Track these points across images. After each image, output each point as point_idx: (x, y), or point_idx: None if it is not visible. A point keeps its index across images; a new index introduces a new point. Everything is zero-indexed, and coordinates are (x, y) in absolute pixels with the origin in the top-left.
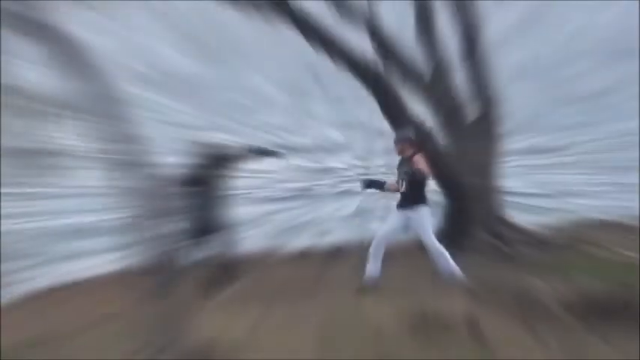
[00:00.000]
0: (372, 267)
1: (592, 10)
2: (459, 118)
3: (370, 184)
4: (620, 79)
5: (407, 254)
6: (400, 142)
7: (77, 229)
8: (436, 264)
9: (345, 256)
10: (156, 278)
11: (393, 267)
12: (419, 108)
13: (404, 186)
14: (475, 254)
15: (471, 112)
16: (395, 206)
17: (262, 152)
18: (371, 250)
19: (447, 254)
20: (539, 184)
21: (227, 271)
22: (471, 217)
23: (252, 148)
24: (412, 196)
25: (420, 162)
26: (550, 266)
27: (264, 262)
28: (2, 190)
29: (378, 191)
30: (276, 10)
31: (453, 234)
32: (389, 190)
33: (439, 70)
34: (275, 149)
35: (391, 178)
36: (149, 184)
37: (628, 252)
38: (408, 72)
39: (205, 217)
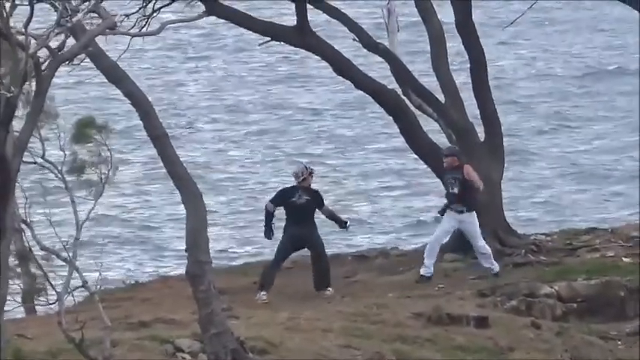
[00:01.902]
0: (428, 264)
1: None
2: (469, 139)
3: (444, 210)
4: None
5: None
6: (450, 156)
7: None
8: (480, 261)
9: (369, 260)
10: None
11: (413, 273)
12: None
13: (454, 189)
14: None
15: (479, 134)
16: (447, 209)
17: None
18: (427, 249)
19: (489, 255)
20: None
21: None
22: (481, 226)
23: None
24: (464, 202)
25: (471, 170)
26: (550, 269)
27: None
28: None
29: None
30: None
31: (466, 242)
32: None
33: (452, 95)
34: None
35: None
36: None
37: (610, 253)
38: (425, 98)
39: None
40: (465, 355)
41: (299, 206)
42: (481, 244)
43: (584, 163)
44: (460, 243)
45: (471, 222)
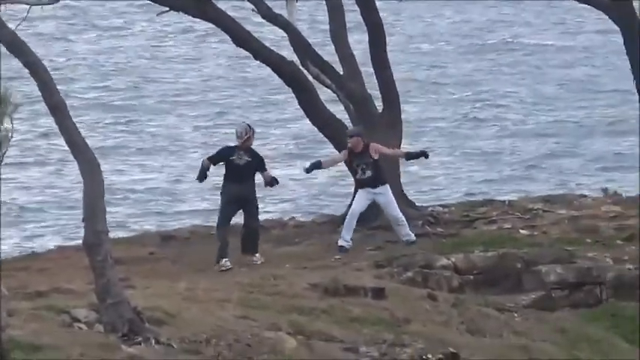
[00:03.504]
0: (347, 237)
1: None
2: (367, 109)
3: (311, 167)
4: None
5: (320, 232)
6: (354, 137)
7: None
8: (396, 231)
9: (267, 231)
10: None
11: (310, 244)
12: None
13: (367, 173)
14: (384, 232)
15: (378, 105)
16: (360, 187)
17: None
18: (345, 223)
19: (406, 224)
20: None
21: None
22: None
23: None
24: (376, 179)
25: (378, 147)
26: (447, 241)
27: (196, 235)
28: None
29: (319, 170)
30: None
31: (364, 214)
32: (327, 166)
33: (350, 66)
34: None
35: (328, 156)
36: None
37: (507, 225)
38: (323, 69)
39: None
40: (362, 327)
41: (239, 166)
42: (398, 215)
43: (463, 135)
44: (362, 219)
45: (386, 194)
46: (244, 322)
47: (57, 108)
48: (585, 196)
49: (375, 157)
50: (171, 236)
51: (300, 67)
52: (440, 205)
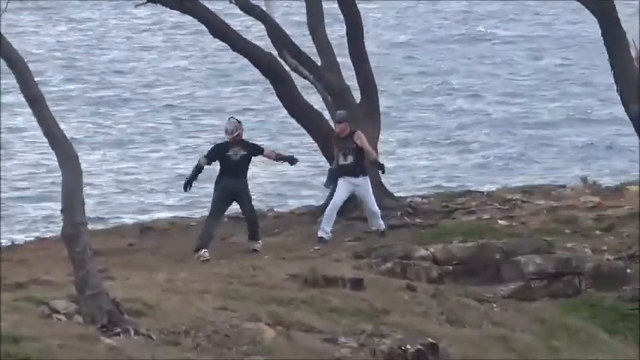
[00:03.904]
0: (327, 229)
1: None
2: (345, 100)
3: (329, 180)
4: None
5: (299, 223)
6: (343, 122)
7: None
8: (370, 221)
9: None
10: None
11: (289, 235)
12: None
13: (348, 159)
14: (363, 223)
15: (356, 95)
16: (339, 176)
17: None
18: (326, 214)
19: (379, 216)
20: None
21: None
22: None
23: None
24: (357, 168)
25: (362, 137)
26: (426, 232)
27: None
28: None
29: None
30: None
31: (342, 205)
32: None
33: (328, 57)
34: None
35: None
36: None
37: (486, 216)
38: (301, 60)
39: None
40: (341, 318)
41: (235, 162)
42: (375, 209)
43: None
44: (341, 209)
45: (366, 186)
46: (223, 312)
47: (35, 100)
48: (564, 186)
49: (359, 144)
50: (150, 227)
51: (279, 58)
52: (419, 196)
